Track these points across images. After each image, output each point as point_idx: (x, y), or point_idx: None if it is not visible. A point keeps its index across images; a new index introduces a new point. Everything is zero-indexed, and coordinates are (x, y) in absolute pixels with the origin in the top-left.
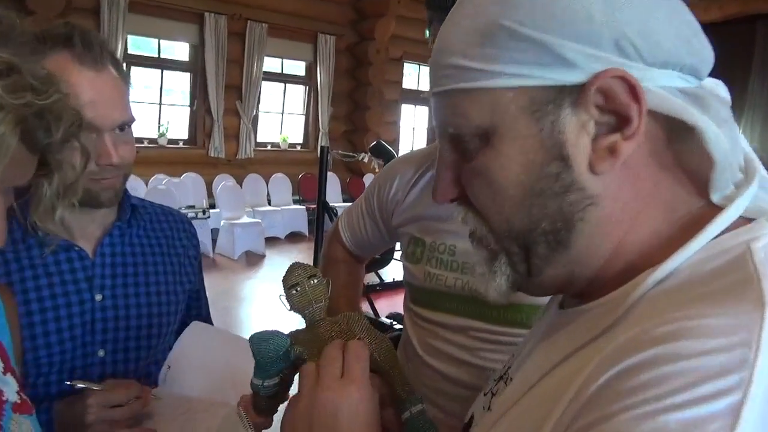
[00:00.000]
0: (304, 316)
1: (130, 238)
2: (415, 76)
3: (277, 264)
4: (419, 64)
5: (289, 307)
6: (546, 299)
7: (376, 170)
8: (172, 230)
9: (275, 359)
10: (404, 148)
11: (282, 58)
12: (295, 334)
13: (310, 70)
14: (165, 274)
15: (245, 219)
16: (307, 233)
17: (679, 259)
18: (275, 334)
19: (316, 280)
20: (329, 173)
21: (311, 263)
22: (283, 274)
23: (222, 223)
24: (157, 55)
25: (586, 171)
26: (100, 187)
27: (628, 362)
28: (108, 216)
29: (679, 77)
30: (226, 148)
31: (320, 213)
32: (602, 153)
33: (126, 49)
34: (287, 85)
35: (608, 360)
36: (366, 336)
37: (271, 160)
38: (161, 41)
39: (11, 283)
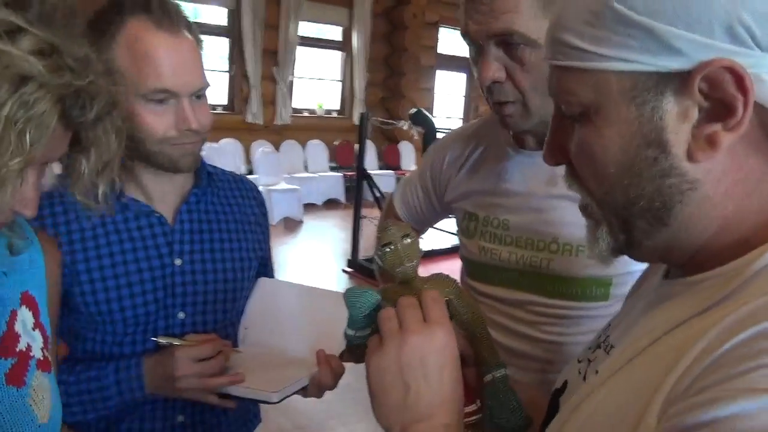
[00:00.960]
0: (395, 274)
1: (205, 204)
2: (451, 41)
3: (314, 230)
4: (455, 29)
5: (381, 264)
6: (602, 272)
7: (415, 137)
8: (243, 198)
9: (366, 313)
10: (439, 114)
11: (318, 22)
12: (386, 290)
13: (347, 35)
14: (239, 240)
15: (283, 185)
16: (343, 200)
17: None
18: (367, 291)
19: (409, 240)
20: (366, 140)
21: (349, 230)
22: (377, 233)
23: (260, 188)
24: (194, 19)
25: (684, 158)
26: (180, 153)
27: (758, 328)
28: (186, 183)
29: None
30: (263, 114)
31: (359, 180)
32: (701, 142)
33: None
34: (323, 50)
35: (732, 328)
36: (455, 297)
37: (308, 126)
38: (197, 5)
39: (98, 245)
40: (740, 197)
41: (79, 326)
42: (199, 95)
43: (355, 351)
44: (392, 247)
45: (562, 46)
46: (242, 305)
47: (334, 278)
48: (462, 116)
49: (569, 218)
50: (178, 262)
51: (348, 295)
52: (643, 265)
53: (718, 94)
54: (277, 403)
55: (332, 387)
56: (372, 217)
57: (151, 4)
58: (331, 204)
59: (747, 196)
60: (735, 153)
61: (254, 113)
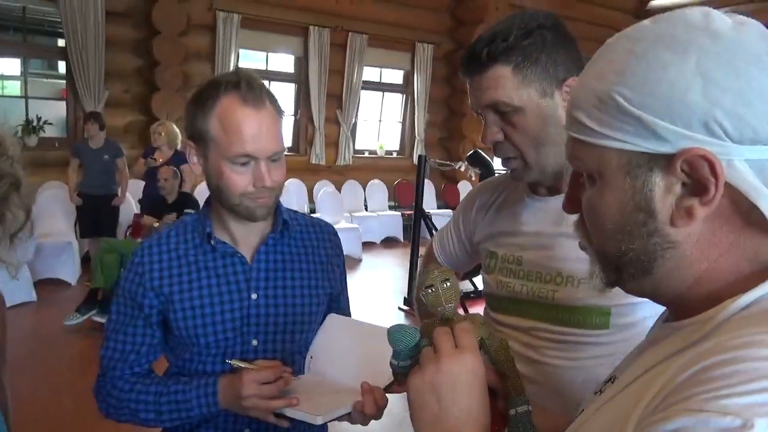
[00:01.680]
0: (436, 313)
1: (281, 247)
2: None
3: (373, 268)
4: None
5: (424, 302)
6: (601, 302)
7: (473, 178)
8: (318, 240)
9: (407, 348)
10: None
11: (381, 67)
12: (425, 325)
13: (408, 78)
14: (309, 278)
15: (344, 224)
16: (401, 239)
17: (760, 292)
18: (409, 329)
19: (449, 283)
20: (425, 180)
21: (406, 267)
22: (420, 276)
23: None
24: (265, 67)
25: (667, 223)
26: (256, 205)
27: (710, 361)
28: (265, 228)
29: (766, 150)
30: (326, 155)
31: (417, 220)
32: (681, 212)
33: (238, 62)
34: (385, 93)
35: (692, 361)
36: (487, 338)
37: (369, 166)
38: (269, 54)
39: (191, 279)
40: (713, 258)
41: (174, 345)
42: (275, 158)
43: (400, 380)
44: (433, 289)
45: (575, 121)
46: (310, 336)
47: (391, 315)
48: None
49: (572, 254)
50: (254, 296)
51: (392, 332)
52: (643, 300)
53: (695, 175)
54: (321, 424)
55: (377, 416)
56: None
57: (240, 83)
58: (389, 242)
59: (719, 257)
60: (710, 222)
61: (318, 154)
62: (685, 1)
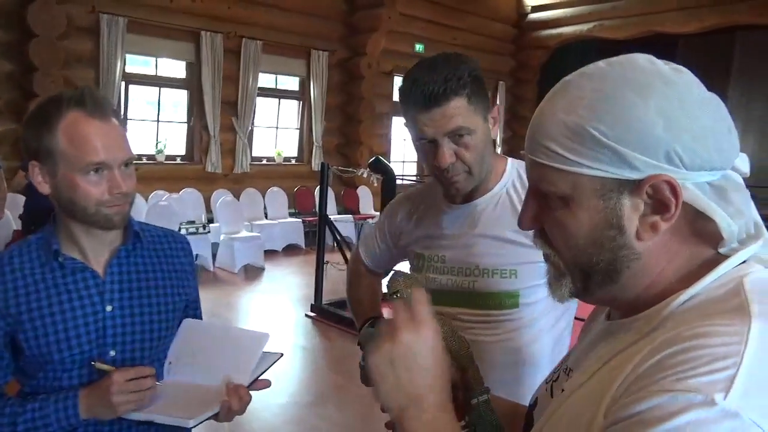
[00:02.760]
0: None
1: (134, 258)
2: None
3: (275, 276)
4: None
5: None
6: (511, 287)
7: (375, 184)
8: (171, 249)
9: None
10: (395, 159)
11: (276, 74)
12: None
13: (303, 85)
14: (164, 287)
15: (244, 233)
16: (303, 245)
17: (697, 288)
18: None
19: (412, 290)
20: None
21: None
22: (388, 283)
23: (221, 237)
24: (154, 73)
25: (633, 237)
26: (113, 212)
27: (668, 351)
28: (115, 241)
29: (709, 174)
30: (223, 163)
31: (321, 226)
32: (646, 227)
33: (124, 67)
34: (281, 100)
35: (652, 352)
36: (450, 335)
37: (267, 174)
38: (158, 59)
39: (39, 298)
40: (663, 265)
41: (25, 366)
42: (127, 164)
43: (367, 376)
44: (399, 294)
45: (544, 149)
46: (168, 343)
47: (298, 323)
48: (416, 159)
49: (485, 250)
50: (108, 308)
51: (362, 335)
52: (542, 281)
53: (659, 196)
54: (192, 428)
55: (240, 412)
56: (334, 262)
57: (84, 98)
58: (291, 250)
59: (668, 263)
60: (665, 235)
61: (214, 163)
62: (559, 14)
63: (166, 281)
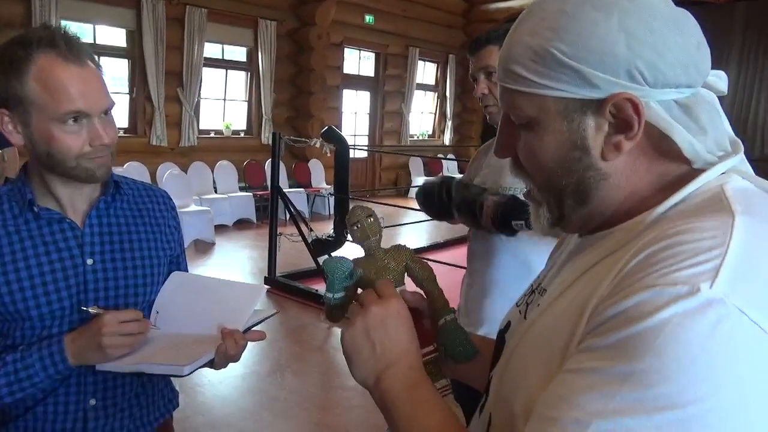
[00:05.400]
0: (363, 247)
1: (114, 210)
2: (356, 61)
3: (227, 251)
4: (359, 49)
5: (351, 240)
6: None
7: (328, 154)
8: (152, 203)
9: (342, 278)
10: (347, 132)
11: (223, 43)
12: (357, 260)
13: (251, 55)
14: (147, 241)
15: (193, 207)
16: (255, 220)
17: (676, 199)
18: (343, 259)
19: (372, 219)
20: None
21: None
22: (347, 215)
23: None
24: (92, 42)
25: (599, 158)
26: (96, 165)
27: (652, 249)
28: (93, 192)
29: (675, 92)
30: (169, 136)
31: (274, 198)
32: (611, 147)
33: None
34: (229, 71)
35: (635, 254)
36: (411, 261)
37: (215, 147)
38: (96, 27)
39: (14, 251)
40: (634, 182)
41: (2, 325)
42: (107, 114)
43: (333, 312)
44: (359, 225)
45: (512, 74)
46: (153, 299)
47: None
48: (368, 132)
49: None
50: (89, 261)
51: (326, 264)
52: None
53: (622, 115)
54: (188, 375)
55: (236, 358)
56: (288, 233)
57: (56, 40)
58: (242, 224)
59: (639, 181)
60: (631, 154)
61: (159, 136)
62: (509, 5)
63: (149, 235)
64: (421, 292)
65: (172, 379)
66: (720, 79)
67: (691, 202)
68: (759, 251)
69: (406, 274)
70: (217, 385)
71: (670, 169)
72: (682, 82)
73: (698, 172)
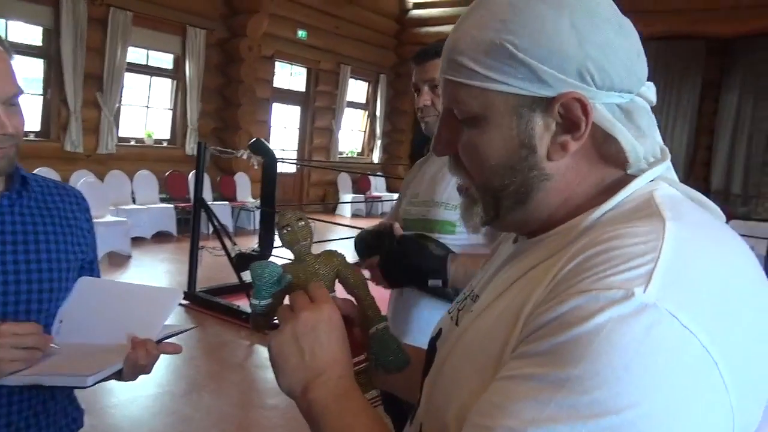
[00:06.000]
0: (293, 251)
1: (20, 208)
2: (287, 76)
3: (144, 264)
4: (291, 64)
5: (281, 244)
6: (451, 218)
7: (256, 167)
8: (64, 203)
9: (270, 283)
10: (275, 146)
11: (148, 49)
12: (285, 265)
13: (178, 63)
14: (56, 242)
15: (109, 218)
16: (175, 233)
17: (610, 204)
18: (270, 264)
19: (302, 223)
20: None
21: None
22: (277, 219)
23: None
24: (4, 38)
25: (544, 158)
26: None
27: (586, 254)
28: None
29: (618, 96)
30: (85, 143)
31: (197, 210)
32: (557, 147)
33: None
34: (153, 78)
35: (570, 259)
36: (343, 267)
37: (135, 156)
38: (9, 22)
39: None
40: (574, 186)
41: None
42: (13, 102)
43: (259, 320)
44: (289, 228)
45: (458, 66)
46: (59, 306)
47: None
48: (297, 148)
49: (441, 189)
50: None
51: (253, 269)
52: None
53: (570, 115)
54: (91, 386)
55: (147, 370)
56: (210, 247)
57: None
58: (161, 237)
59: (578, 185)
60: (574, 157)
61: (74, 141)
62: (439, 13)
63: (58, 236)
64: (353, 299)
65: (77, 396)
66: (650, 90)
67: (623, 208)
68: (689, 256)
69: (337, 280)
70: (128, 406)
71: (607, 173)
72: (624, 87)
73: (630, 178)
